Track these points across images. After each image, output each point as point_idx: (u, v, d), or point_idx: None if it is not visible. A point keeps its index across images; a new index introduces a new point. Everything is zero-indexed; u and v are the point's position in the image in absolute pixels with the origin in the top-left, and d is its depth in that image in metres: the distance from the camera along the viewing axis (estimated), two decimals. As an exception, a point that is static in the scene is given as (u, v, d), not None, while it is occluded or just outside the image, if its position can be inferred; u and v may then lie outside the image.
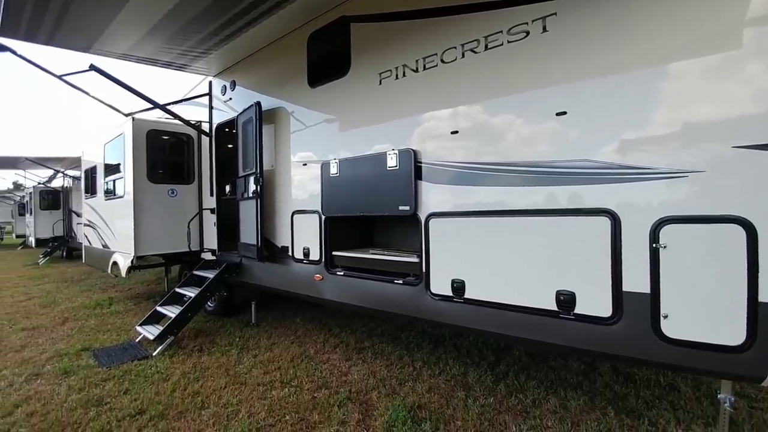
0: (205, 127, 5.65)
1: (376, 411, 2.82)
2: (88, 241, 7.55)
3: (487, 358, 3.70)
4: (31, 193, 14.80)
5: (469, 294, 2.71)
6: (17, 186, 19.59)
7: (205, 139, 5.71)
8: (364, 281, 3.39)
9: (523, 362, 3.59)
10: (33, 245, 14.85)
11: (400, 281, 3.11)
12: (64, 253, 13.78)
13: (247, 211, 4.44)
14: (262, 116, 4.28)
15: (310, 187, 3.92)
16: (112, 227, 6.23)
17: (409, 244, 3.73)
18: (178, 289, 4.96)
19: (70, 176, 13.61)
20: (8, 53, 4.32)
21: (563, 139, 2.34)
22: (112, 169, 6.25)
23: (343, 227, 3.88)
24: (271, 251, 4.36)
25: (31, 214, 14.95)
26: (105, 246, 6.56)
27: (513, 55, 2.53)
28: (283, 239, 4.25)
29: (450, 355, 3.81)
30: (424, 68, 2.99)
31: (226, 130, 5.40)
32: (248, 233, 4.42)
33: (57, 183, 14.97)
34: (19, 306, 6.56)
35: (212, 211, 5.45)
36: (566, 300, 2.31)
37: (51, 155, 12.61)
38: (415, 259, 3.09)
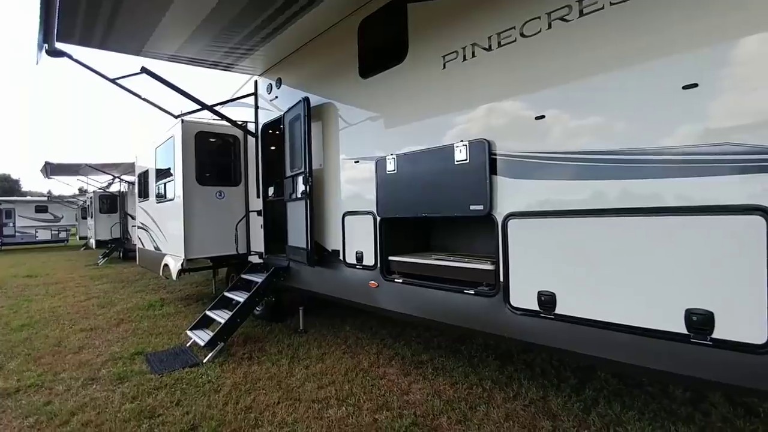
0: (251, 127, 5.53)
1: (449, 442, 2.45)
2: (142, 243, 7.74)
3: (567, 380, 3.22)
4: (91, 197, 15.74)
5: (561, 309, 2.27)
6: (82, 191, 21.03)
7: (251, 140, 5.59)
8: (427, 290, 3.03)
9: (612, 387, 3.08)
10: (93, 246, 15.77)
11: (471, 291, 2.72)
12: (121, 254, 14.50)
13: (296, 213, 4.22)
14: (311, 111, 4.03)
15: (363, 187, 3.61)
16: (163, 230, 6.29)
17: (477, 248, 3.34)
18: (227, 294, 4.84)
19: (126, 181, 14.31)
20: (65, 58, 4.36)
21: (691, 119, 1.86)
22: (162, 172, 6.30)
23: (400, 230, 3.54)
24: (320, 255, 4.11)
25: (91, 217, 15.91)
26: (157, 248, 6.65)
27: (617, 19, 2.07)
28: (333, 242, 3.98)
29: (523, 374, 3.37)
30: (499, 45, 2.58)
31: (272, 130, 5.24)
32: (297, 236, 4.20)
33: (115, 188, 15.83)
34: (79, 306, 6.78)
35: (259, 213, 5.31)
36: (700, 321, 1.83)
37: (109, 161, 13.29)
38: (488, 267, 2.69)
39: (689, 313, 1.86)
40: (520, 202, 2.45)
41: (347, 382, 3.31)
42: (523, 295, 2.44)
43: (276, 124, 4.89)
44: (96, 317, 5.93)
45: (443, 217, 3.19)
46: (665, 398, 2.89)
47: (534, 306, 2.38)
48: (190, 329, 4.60)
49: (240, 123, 5.61)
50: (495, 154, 2.58)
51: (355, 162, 3.71)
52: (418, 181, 3.04)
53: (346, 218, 3.79)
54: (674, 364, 1.94)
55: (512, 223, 2.48)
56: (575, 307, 2.22)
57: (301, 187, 4.09)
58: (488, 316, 2.63)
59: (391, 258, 3.38)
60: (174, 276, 5.54)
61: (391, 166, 3.25)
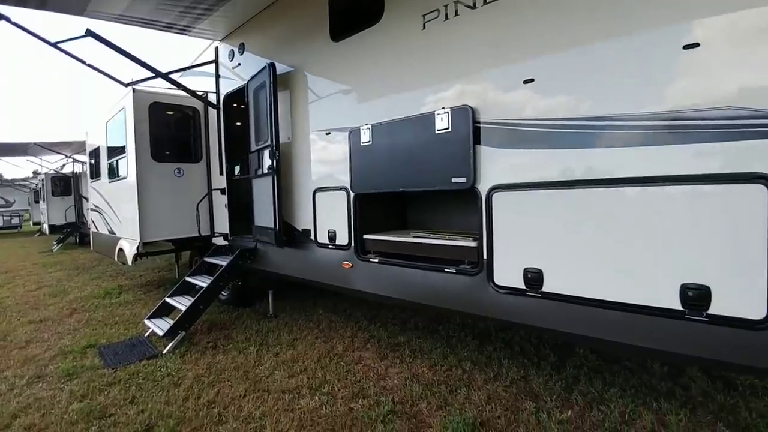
0: (212, 98, 5.08)
1: (430, 430, 2.31)
2: (95, 226, 7.15)
3: (547, 358, 3.15)
4: (42, 179, 14.56)
5: (548, 287, 2.13)
6: (36, 174, 19.49)
7: (212, 113, 5.15)
8: (405, 270, 2.84)
9: (592, 363, 3.04)
10: (47, 232, 14.69)
11: (452, 270, 2.55)
12: (77, 240, 13.58)
13: (262, 190, 3.90)
14: (276, 78, 3.67)
15: (335, 160, 3.34)
16: (117, 212, 5.78)
17: (458, 224, 3.16)
18: (188, 279, 4.50)
19: (80, 161, 13.27)
20: (4, 22, 3.77)
21: (693, 80, 1.71)
22: (114, 149, 5.75)
23: (376, 206, 3.31)
24: (290, 235, 3.83)
25: (44, 200, 14.76)
26: (111, 232, 6.14)
27: (616, -33, 1.87)
28: (303, 221, 3.71)
29: (502, 353, 3.28)
30: (485, 2, 2.34)
31: (235, 101, 4.82)
32: (264, 215, 3.89)
33: (69, 169, 14.69)
34: (29, 296, 6.22)
35: (222, 191, 4.93)
36: (696, 296, 1.72)
37: (60, 140, 12.25)
38: (471, 243, 2.51)
39: (684, 288, 1.75)
40: (506, 174, 2.27)
41: (320, 369, 3.11)
42: (507, 273, 2.29)
43: (239, 94, 4.48)
44: (47, 308, 5.43)
45: (422, 192, 2.98)
46: (645, 373, 2.86)
47: (520, 284, 2.23)
48: (148, 318, 4.25)
49: (201, 94, 5.15)
50: (479, 122, 2.36)
51: (327, 134, 3.41)
52: (396, 154, 2.80)
53: (318, 195, 3.52)
54: (668, 343, 1.84)
55: (497, 197, 2.30)
56: (564, 284, 2.09)
57: (267, 162, 3.76)
58: (471, 296, 2.47)
59: (366, 237, 3.16)
60: (129, 261, 5.11)
61: (365, 138, 2.99)
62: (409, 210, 3.70)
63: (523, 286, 2.22)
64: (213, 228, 5.24)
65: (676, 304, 1.77)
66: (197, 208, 4.78)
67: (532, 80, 2.16)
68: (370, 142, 2.95)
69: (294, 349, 3.54)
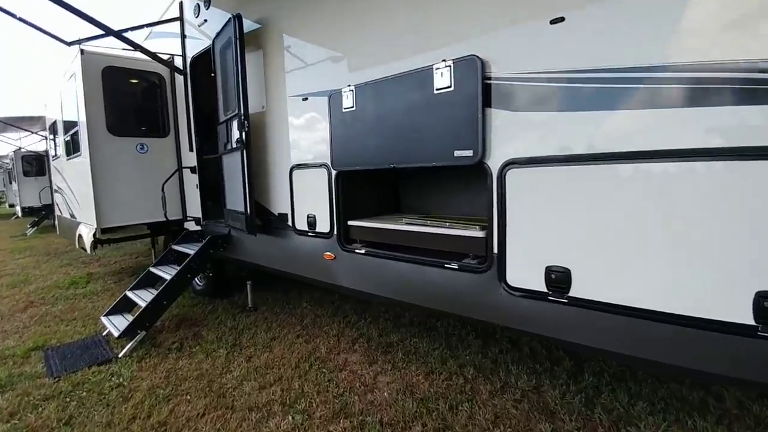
0: (179, 63, 4.44)
1: (426, 465, 1.88)
2: (59, 210, 6.56)
3: (561, 362, 2.73)
4: (12, 158, 13.73)
5: (577, 291, 1.66)
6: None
7: (180, 80, 4.52)
8: (396, 263, 2.35)
9: (613, 369, 2.62)
10: (20, 214, 13.98)
11: (454, 265, 2.07)
12: (55, 223, 12.91)
13: (232, 168, 3.36)
14: (243, 33, 3.07)
15: (314, 132, 2.80)
16: (76, 193, 5.19)
17: (462, 208, 2.67)
18: (153, 269, 3.99)
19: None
20: None
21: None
22: (71, 122, 5.11)
23: (362, 187, 2.80)
24: (265, 220, 3.32)
25: (15, 181, 13.97)
26: (72, 216, 5.57)
27: None
28: (280, 204, 3.19)
29: (509, 355, 2.85)
30: None
31: (204, 64, 4.19)
32: (234, 197, 3.36)
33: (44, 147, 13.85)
34: (-14, 285, 5.69)
35: (192, 170, 4.37)
36: (787, 310, 1.26)
37: (26, 114, 11.39)
38: (478, 233, 2.03)
39: (760, 298, 1.29)
40: (525, 145, 1.76)
41: (298, 378, 2.66)
42: (524, 272, 1.81)
43: (207, 56, 3.87)
44: (1, 300, 4.92)
45: (418, 169, 2.46)
46: (673, 381, 2.45)
47: (540, 286, 1.76)
48: (106, 314, 3.75)
49: (167, 59, 4.51)
50: (490, 78, 1.83)
51: (303, 100, 2.85)
52: (385, 121, 2.27)
53: (295, 173, 2.99)
54: (734, 366, 1.39)
55: (512, 174, 1.80)
56: (598, 288, 1.62)
57: (235, 135, 3.20)
58: (476, 298, 2.01)
59: (350, 223, 2.66)
60: (88, 249, 4.57)
61: (348, 102, 2.44)
62: (402, 191, 3.20)
63: (545, 289, 1.75)
64: (185, 211, 4.70)
65: (747, 318, 1.31)
66: (163, 189, 4.22)
67: (561, 19, 1.63)
68: (354, 108, 2.41)
69: (270, 352, 3.09)
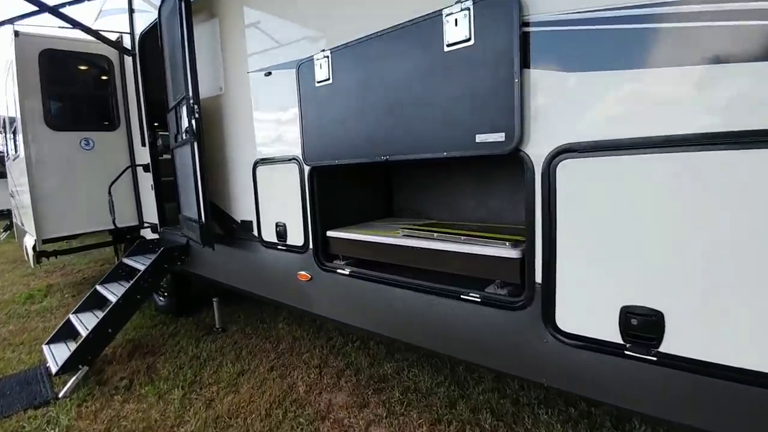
0: (129, 43, 3.74)
1: None
2: (16, 215, 5.81)
3: (600, 405, 2.17)
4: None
5: (674, 345, 1.08)
6: None
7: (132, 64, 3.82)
8: (393, 289, 1.75)
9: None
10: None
11: (474, 296, 1.47)
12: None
13: (184, 165, 2.71)
14: (188, -8, 2.41)
15: (280, 115, 2.17)
16: (21, 197, 4.48)
17: (484, 214, 2.08)
18: (99, 288, 3.33)
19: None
20: None
21: None
22: (13, 117, 4.38)
23: (344, 186, 2.19)
24: (227, 228, 2.69)
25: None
26: (21, 223, 4.85)
27: None
28: (243, 209, 2.55)
29: (533, 393, 2.28)
30: None
31: (154, 42, 3.51)
32: (188, 200, 2.72)
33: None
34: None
35: (146, 168, 3.70)
36: None
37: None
38: (510, 252, 1.43)
39: None
40: (590, 122, 1.16)
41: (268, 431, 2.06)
42: (586, 312, 1.22)
43: (156, 31, 3.18)
44: (-59, 320, 4.21)
45: (421, 162, 1.86)
46: None
47: (611, 334, 1.17)
48: (48, 342, 3.10)
49: (116, 39, 3.81)
50: (529, 23, 1.22)
51: (266, 75, 2.21)
52: (373, 97, 1.65)
53: (259, 170, 2.35)
54: None
55: (568, 168, 1.20)
56: (712, 343, 1.03)
57: (185, 123, 2.55)
58: (509, 344, 1.42)
59: (330, 234, 2.05)
60: (31, 263, 3.88)
61: (321, 74, 1.81)
62: (398, 191, 2.59)
63: (618, 339, 1.16)
64: (141, 217, 4.03)
65: None
66: (110, 192, 3.54)
67: None
68: (330, 81, 1.78)
69: (236, 393, 2.47)
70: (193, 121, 2.46)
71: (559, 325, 1.27)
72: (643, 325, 1.12)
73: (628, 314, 1.14)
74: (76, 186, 3.71)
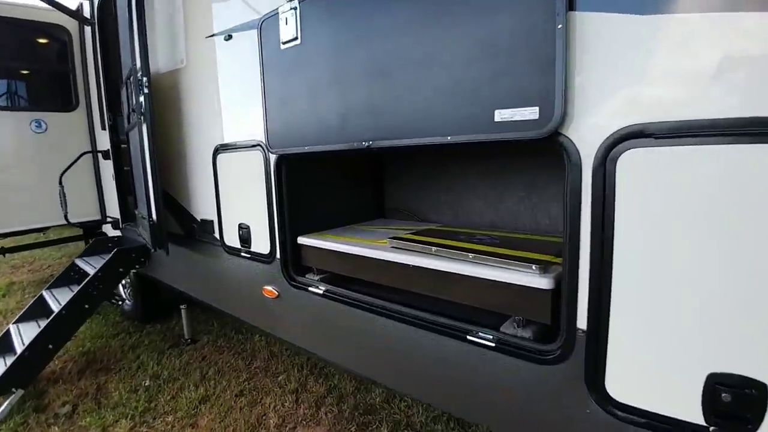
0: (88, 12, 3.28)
1: None
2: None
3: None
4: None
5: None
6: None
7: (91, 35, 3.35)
8: (378, 318, 1.33)
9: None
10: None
11: (487, 338, 1.07)
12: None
13: (136, 151, 2.27)
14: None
15: (242, 89, 1.74)
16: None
17: (501, 219, 1.67)
18: (46, 293, 2.90)
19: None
20: None
21: None
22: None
23: (320, 179, 1.77)
24: (187, 227, 2.28)
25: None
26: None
27: None
28: (203, 206, 2.13)
29: None
30: None
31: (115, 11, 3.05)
32: (141, 194, 2.29)
33: None
34: None
35: (105, 155, 3.26)
36: None
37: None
38: (537, 279, 1.02)
39: None
40: (673, 95, 0.74)
41: (223, 488, 1.67)
42: (653, 376, 0.82)
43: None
44: None
45: (419, 149, 1.44)
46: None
47: (690, 412, 0.77)
48: (-18, 356, 2.69)
49: (76, 7, 3.34)
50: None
51: (227, 39, 1.77)
52: (354, 60, 1.22)
53: (220, 159, 1.92)
54: None
55: (634, 161, 0.78)
56: None
57: (134, 100, 2.11)
58: (533, 410, 1.02)
59: (302, 240, 1.63)
60: (-22, 259, 3.45)
61: (288, 31, 1.38)
62: (390, 187, 2.17)
63: (700, 420, 0.76)
64: (104, 210, 3.59)
65: None
66: (60, 182, 3.10)
67: None
68: (298, 41, 1.35)
69: (194, 427, 2.08)
70: (143, 98, 2.03)
71: (610, 392, 0.87)
72: (737, 402, 0.72)
73: (715, 386, 0.74)
74: (25, 174, 3.27)
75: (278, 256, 1.63)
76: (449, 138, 1.02)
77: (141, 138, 2.06)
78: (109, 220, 3.49)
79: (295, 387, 2.37)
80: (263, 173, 1.62)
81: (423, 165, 1.94)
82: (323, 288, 1.50)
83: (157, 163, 2.04)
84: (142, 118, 2.03)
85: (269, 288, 1.69)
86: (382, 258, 1.31)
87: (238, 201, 1.82)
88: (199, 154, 2.07)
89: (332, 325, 1.51)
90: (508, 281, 1.03)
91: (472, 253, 1.13)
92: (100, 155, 3.34)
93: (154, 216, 2.05)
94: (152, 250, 2.11)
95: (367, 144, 1.20)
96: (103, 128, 3.26)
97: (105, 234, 3.62)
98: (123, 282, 3.61)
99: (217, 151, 1.92)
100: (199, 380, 2.52)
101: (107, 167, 3.39)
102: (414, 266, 1.22)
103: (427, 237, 1.35)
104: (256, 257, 1.75)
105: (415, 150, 1.36)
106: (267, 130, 1.52)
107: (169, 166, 2.28)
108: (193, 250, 2.24)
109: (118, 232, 3.33)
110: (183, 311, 3.03)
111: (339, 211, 1.87)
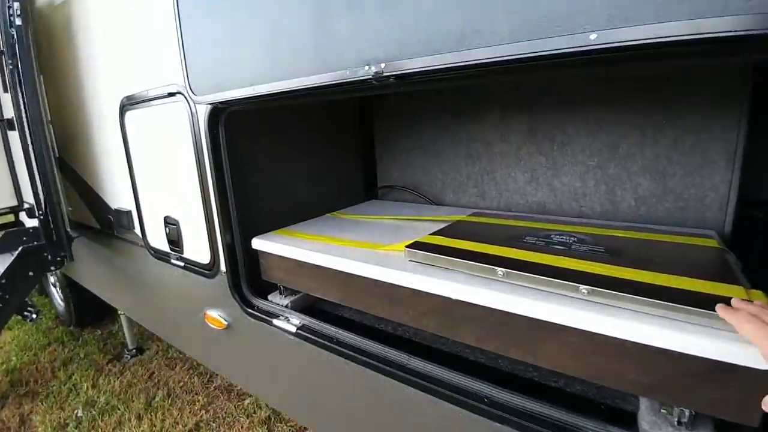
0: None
1: None
2: None
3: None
4: None
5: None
6: None
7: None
8: (392, 383, 0.78)
9: None
10: None
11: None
12: None
13: (18, 110, 1.58)
14: None
15: (152, 11, 1.07)
16: None
17: (539, 200, 1.11)
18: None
19: None
20: None
21: None
22: None
23: (281, 144, 1.16)
24: (102, 219, 1.63)
25: None
26: None
27: None
28: (116, 190, 1.48)
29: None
30: None
31: None
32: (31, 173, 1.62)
33: None
34: None
35: (10, 124, 2.49)
36: None
37: None
38: (736, 353, 0.48)
39: None
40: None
41: None
42: None
43: None
44: None
45: (501, 74, 0.82)
46: None
47: None
48: None
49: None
50: None
51: None
52: None
53: (129, 117, 1.27)
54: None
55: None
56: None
57: (2, 37, 1.41)
58: None
59: (259, 244, 1.03)
60: None
61: None
62: (385, 154, 1.56)
63: None
64: (20, 194, 2.85)
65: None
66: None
67: None
68: None
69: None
70: (14, 32, 1.33)
71: None
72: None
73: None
74: None
75: (222, 268, 1.04)
76: (571, 46, 0.43)
77: (16, 89, 1.38)
78: (26, 206, 2.76)
79: (267, 415, 1.85)
80: (190, 138, 1.00)
81: (435, 122, 1.35)
82: (297, 321, 0.93)
83: (47, 127, 1.38)
84: (10, 58, 1.34)
85: (213, 315, 1.11)
86: (398, 283, 0.74)
87: (160, 183, 1.20)
88: (101, 113, 1.40)
89: (315, 384, 0.95)
90: (680, 350, 0.49)
91: (583, 283, 0.57)
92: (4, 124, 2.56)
93: (43, 205, 1.41)
94: (47, 257, 1.48)
95: (374, 70, 0.59)
96: (6, 90, 2.47)
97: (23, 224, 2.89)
98: (52, 281, 2.97)
99: (124, 108, 1.26)
100: (144, 409, 1.96)
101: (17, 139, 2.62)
102: (466, 303, 0.66)
103: (471, 242, 0.78)
104: (193, 267, 1.15)
105: (488, 76, 0.66)
106: (186, 67, 0.89)
107: (71, 133, 1.61)
108: (112, 250, 1.61)
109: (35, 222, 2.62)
110: (122, 317, 2.41)
111: (314, 193, 1.28)
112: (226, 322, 1.08)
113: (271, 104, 0.82)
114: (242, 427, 1.80)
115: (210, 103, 0.89)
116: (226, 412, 1.90)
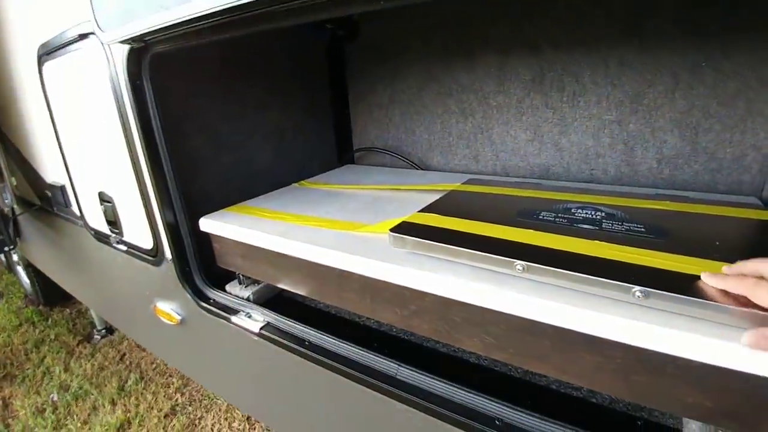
0: None
1: None
2: None
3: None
4: None
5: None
6: None
7: None
8: (375, 396, 0.64)
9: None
10: None
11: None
12: None
13: None
14: None
15: None
16: None
17: (543, 163, 0.93)
18: None
19: None
20: None
21: None
22: None
23: (231, 96, 0.95)
24: (41, 194, 1.41)
25: None
26: None
27: None
28: (47, 161, 1.25)
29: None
30: None
31: None
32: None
33: None
34: None
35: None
36: None
37: None
38: None
39: None
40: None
41: None
42: None
43: None
44: None
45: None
46: None
47: None
48: None
49: None
50: None
51: None
52: None
53: (47, 69, 1.02)
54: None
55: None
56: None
57: None
58: None
59: (208, 225, 0.84)
60: None
61: None
62: (360, 112, 1.35)
63: None
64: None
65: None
66: None
67: None
68: None
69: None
70: None
71: None
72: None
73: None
74: None
75: (167, 255, 0.85)
76: None
77: None
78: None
79: (245, 416, 1.74)
80: (111, 93, 0.78)
81: (419, 70, 1.14)
82: (260, 318, 0.77)
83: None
84: None
85: (164, 308, 0.94)
86: (382, 278, 0.58)
87: (87, 151, 0.98)
88: (19, 66, 1.14)
89: (286, 390, 0.80)
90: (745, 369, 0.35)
91: (637, 283, 0.41)
92: None
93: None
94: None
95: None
96: None
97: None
98: (15, 260, 2.78)
99: (41, 59, 1.01)
100: (117, 394, 1.84)
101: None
102: (470, 306, 0.50)
103: (472, 221, 0.60)
104: (135, 252, 0.97)
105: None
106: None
107: (1, 96, 1.34)
108: (55, 230, 1.40)
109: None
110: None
111: (276, 158, 1.08)
112: (179, 317, 0.91)
113: (206, 39, 0.61)
114: (220, 410, 1.70)
115: (123, 41, 0.66)
116: (202, 395, 1.79)
